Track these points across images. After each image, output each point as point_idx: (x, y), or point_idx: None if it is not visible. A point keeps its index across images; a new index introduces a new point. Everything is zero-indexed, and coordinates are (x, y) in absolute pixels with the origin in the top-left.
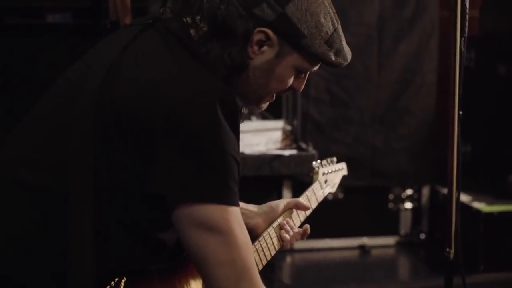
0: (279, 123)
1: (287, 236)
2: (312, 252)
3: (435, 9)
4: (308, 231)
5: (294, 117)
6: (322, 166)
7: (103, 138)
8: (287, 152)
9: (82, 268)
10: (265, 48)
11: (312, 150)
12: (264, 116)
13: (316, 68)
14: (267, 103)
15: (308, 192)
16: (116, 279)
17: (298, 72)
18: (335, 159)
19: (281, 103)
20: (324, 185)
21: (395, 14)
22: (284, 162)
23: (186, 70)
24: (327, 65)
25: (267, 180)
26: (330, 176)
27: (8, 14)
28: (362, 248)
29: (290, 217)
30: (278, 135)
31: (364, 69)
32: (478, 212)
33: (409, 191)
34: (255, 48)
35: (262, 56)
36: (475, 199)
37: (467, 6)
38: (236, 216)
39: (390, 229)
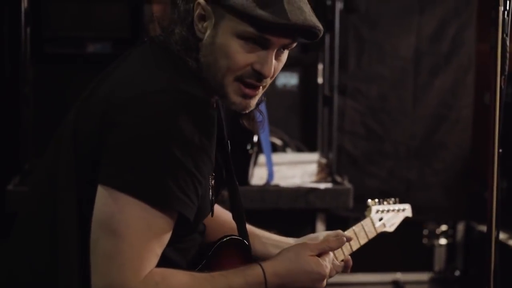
0: (315, 156)
1: None
2: (345, 287)
3: (472, 43)
4: (350, 263)
5: (329, 150)
6: (378, 204)
7: (75, 149)
8: (322, 185)
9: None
10: (206, 23)
11: (347, 184)
12: (299, 149)
13: (265, 33)
14: (249, 101)
15: (356, 228)
16: None
17: (244, 41)
18: (397, 199)
19: (317, 136)
20: (377, 223)
21: (432, 48)
22: (319, 195)
23: (151, 73)
24: (258, 19)
25: (301, 213)
26: (387, 215)
27: (50, 43)
28: (396, 283)
29: None
30: (314, 168)
31: (399, 103)
32: None
33: (443, 227)
34: (199, 25)
35: (206, 32)
36: None
37: (508, 44)
38: (149, 217)
39: (424, 265)
